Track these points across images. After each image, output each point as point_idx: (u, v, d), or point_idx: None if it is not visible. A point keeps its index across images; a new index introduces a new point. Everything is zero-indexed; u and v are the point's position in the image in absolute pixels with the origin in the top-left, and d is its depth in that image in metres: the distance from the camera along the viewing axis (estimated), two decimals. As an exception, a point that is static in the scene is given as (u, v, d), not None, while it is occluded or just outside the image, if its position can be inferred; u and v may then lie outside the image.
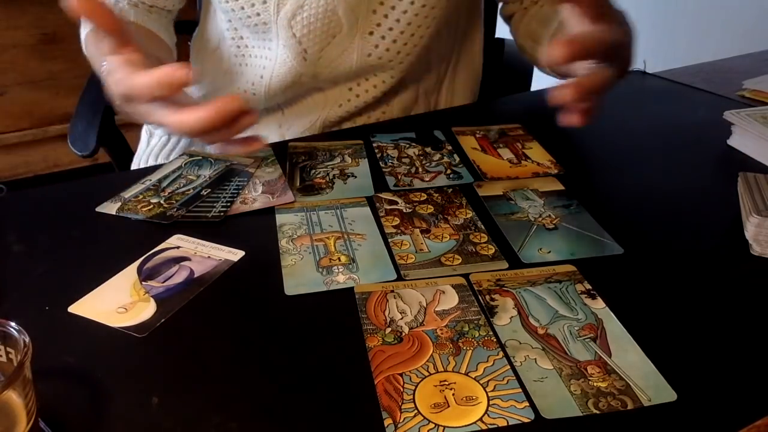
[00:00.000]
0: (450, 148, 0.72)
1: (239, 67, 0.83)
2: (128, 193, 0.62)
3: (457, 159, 0.70)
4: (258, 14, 0.75)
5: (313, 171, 0.67)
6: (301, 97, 0.83)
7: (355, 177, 0.66)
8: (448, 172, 0.67)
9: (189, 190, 0.63)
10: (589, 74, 0.54)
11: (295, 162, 0.69)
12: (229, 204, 0.60)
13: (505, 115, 0.81)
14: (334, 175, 0.66)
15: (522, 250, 0.53)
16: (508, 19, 0.89)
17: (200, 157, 0.70)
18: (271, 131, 0.86)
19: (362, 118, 0.85)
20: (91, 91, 0.96)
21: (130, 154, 0.99)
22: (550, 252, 0.52)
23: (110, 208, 0.60)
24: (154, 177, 0.66)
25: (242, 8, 0.75)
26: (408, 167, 0.68)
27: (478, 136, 0.75)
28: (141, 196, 0.62)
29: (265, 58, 0.80)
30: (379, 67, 0.80)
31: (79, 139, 0.92)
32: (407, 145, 0.73)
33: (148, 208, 0.59)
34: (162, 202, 0.61)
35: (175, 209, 0.59)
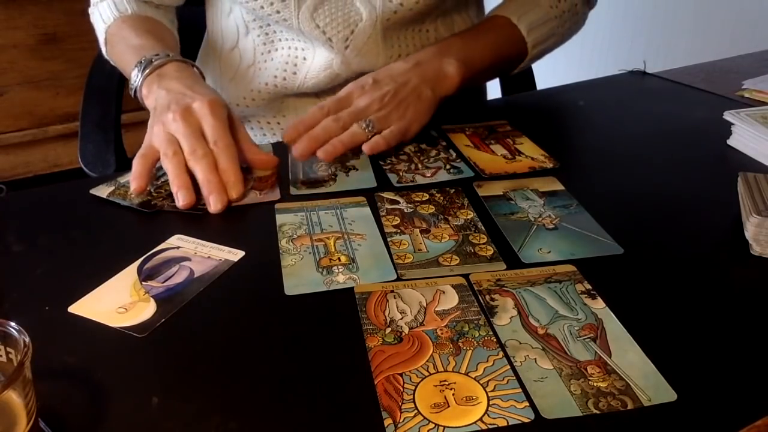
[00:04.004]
0: (444, 144, 0.72)
1: (265, 57, 0.84)
2: (124, 178, 0.63)
3: (454, 154, 0.70)
4: (278, 11, 0.76)
5: (315, 165, 0.68)
6: (337, 85, 0.84)
7: (357, 170, 0.67)
8: (448, 167, 0.67)
9: None
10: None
11: None
12: None
13: (489, 113, 0.82)
14: (336, 168, 0.67)
15: (522, 250, 0.53)
16: None
17: None
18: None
19: None
20: (92, 109, 0.95)
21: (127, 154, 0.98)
22: (550, 252, 0.52)
23: (103, 191, 0.61)
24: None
25: (261, 7, 0.76)
26: (407, 164, 0.68)
27: (468, 133, 0.75)
28: None
29: (296, 41, 0.81)
30: (405, 54, 0.82)
31: (94, 162, 0.90)
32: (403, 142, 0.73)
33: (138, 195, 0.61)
34: (152, 191, 0.61)
35: (161, 198, 0.60)
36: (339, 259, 0.52)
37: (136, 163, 0.61)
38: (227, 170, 0.59)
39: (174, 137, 0.61)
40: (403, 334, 0.43)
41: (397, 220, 0.57)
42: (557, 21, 0.83)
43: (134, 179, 0.60)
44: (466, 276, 0.49)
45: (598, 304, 0.46)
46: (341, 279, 0.49)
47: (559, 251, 0.52)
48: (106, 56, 0.84)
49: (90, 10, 0.84)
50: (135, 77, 0.69)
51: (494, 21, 0.82)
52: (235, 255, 0.52)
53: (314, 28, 0.77)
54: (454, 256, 0.52)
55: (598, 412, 0.37)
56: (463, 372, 0.40)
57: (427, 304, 0.46)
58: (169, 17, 0.85)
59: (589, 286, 0.48)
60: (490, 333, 0.43)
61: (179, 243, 0.54)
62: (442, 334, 0.43)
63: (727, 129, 0.72)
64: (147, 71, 0.68)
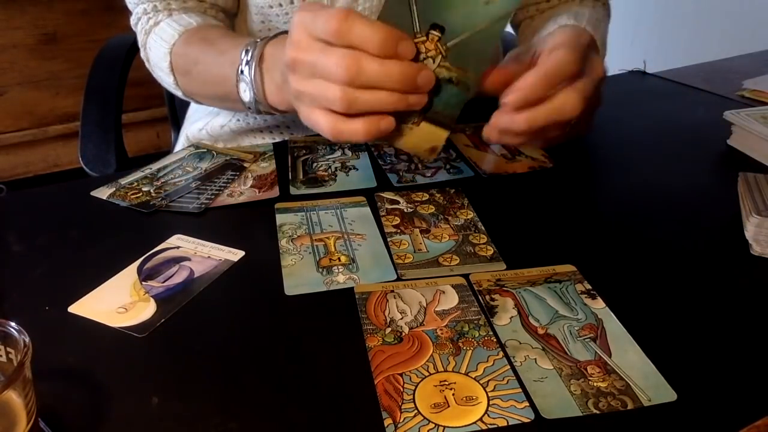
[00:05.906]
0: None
1: None
2: (125, 179, 0.63)
3: (454, 154, 0.70)
4: None
5: (315, 164, 0.68)
6: None
7: (357, 169, 0.67)
8: (448, 166, 0.67)
9: (181, 181, 0.63)
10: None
11: (297, 156, 0.69)
12: (212, 197, 0.60)
13: (489, 113, 0.81)
14: (336, 167, 0.67)
15: None
16: (516, 29, 0.88)
17: (205, 150, 0.71)
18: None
19: None
20: (93, 109, 0.95)
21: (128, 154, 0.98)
22: None
23: (104, 192, 0.61)
24: (155, 166, 0.66)
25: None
26: (407, 164, 0.68)
27: (468, 133, 0.75)
28: (135, 183, 0.63)
29: None
30: None
31: (94, 162, 0.90)
32: None
33: (137, 195, 0.60)
34: (152, 191, 0.61)
35: (160, 199, 0.60)
36: (339, 259, 0.52)
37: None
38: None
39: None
40: (403, 334, 0.43)
41: (397, 220, 0.57)
42: (605, 21, 0.76)
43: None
44: (466, 276, 0.49)
45: (598, 304, 0.46)
46: (341, 279, 0.49)
47: None
48: (172, 81, 0.73)
49: (142, 41, 0.75)
50: (244, 89, 0.61)
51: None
52: (235, 255, 0.52)
53: None
54: (454, 256, 0.52)
55: (598, 412, 0.37)
56: (463, 372, 0.40)
57: (427, 304, 0.46)
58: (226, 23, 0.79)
59: (589, 286, 0.48)
60: (490, 333, 0.43)
61: (179, 243, 0.54)
62: (442, 334, 0.43)
63: (727, 129, 0.72)
64: (250, 71, 0.60)
